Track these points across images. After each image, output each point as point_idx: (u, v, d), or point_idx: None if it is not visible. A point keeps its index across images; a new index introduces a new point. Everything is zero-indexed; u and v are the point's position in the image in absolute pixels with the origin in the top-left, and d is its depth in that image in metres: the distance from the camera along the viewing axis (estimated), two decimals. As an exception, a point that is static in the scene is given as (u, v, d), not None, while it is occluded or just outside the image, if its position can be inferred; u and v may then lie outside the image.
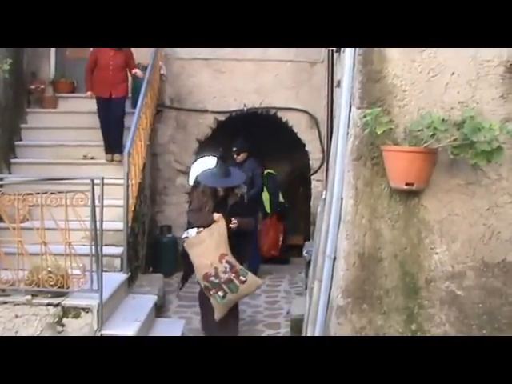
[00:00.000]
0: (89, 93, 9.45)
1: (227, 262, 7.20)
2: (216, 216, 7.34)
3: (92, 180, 6.65)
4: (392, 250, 4.62)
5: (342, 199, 4.85)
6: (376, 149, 4.61)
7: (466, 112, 4.44)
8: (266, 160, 11.70)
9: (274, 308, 9.26)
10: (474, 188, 4.61)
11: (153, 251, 10.31)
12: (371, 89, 4.67)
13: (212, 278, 7.13)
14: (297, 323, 7.42)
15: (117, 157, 9.25)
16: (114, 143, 9.40)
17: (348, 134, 4.84)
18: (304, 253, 9.42)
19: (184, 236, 7.58)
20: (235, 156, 10.33)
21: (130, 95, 9.76)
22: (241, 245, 7.55)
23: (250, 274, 7.37)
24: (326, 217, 5.08)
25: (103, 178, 6.71)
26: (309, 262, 8.96)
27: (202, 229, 7.40)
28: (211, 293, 7.19)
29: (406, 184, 4.41)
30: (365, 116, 4.47)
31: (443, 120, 4.29)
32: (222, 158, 7.85)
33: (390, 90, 4.66)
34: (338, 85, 5.99)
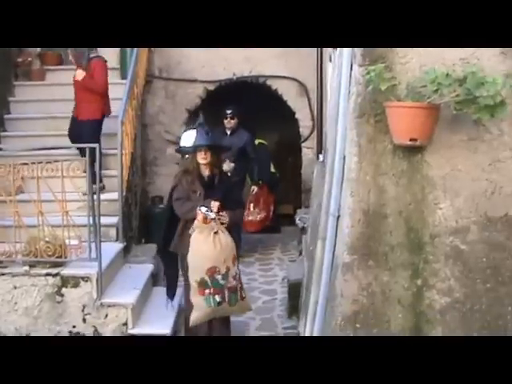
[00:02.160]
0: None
1: (238, 268, 6.30)
2: (214, 204, 6.16)
3: (87, 148, 6.64)
4: (396, 207, 4.65)
5: (344, 157, 4.86)
6: (378, 106, 4.62)
7: (468, 68, 4.46)
8: (254, 130, 11.72)
9: (269, 275, 9.32)
10: (476, 144, 4.64)
11: (145, 222, 10.30)
12: (373, 46, 4.68)
13: (218, 277, 6.02)
14: (294, 288, 7.49)
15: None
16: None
17: (349, 92, 4.85)
18: (297, 220, 9.48)
19: (199, 211, 6.15)
20: (228, 120, 9.86)
21: (105, 116, 8.84)
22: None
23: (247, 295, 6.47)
24: (328, 176, 5.10)
25: (100, 146, 6.70)
26: (302, 229, 9.05)
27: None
28: (205, 292, 6.05)
29: (410, 139, 4.43)
30: (368, 73, 4.47)
31: (447, 75, 4.30)
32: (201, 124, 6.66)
33: (391, 47, 4.67)
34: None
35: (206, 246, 6.05)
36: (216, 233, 6.08)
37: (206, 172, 6.47)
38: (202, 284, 6.02)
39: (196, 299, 6.08)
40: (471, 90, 4.30)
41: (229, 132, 9.91)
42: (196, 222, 6.17)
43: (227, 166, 6.97)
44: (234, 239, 6.33)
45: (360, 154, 4.68)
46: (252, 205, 10.92)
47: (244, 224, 10.73)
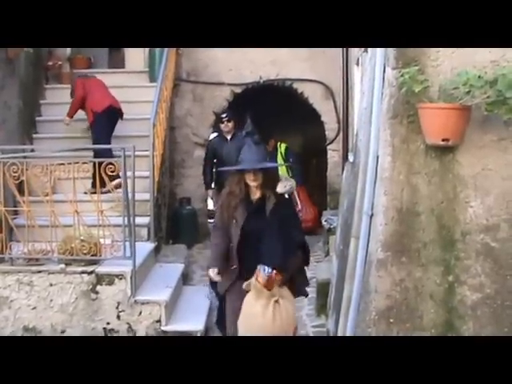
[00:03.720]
0: None
1: None
2: (262, 277, 4.93)
3: (123, 149, 6.80)
4: (429, 205, 4.77)
5: (377, 157, 4.99)
6: (411, 107, 4.74)
7: (498, 70, 4.56)
8: (278, 133, 11.89)
9: (296, 275, 9.41)
10: (506, 144, 4.74)
11: (172, 223, 10.47)
12: (406, 50, 4.78)
13: None
14: (323, 287, 7.61)
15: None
16: None
17: (382, 94, 4.98)
18: (323, 221, 9.60)
19: (260, 271, 4.99)
20: (225, 123, 9.38)
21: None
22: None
23: None
24: (362, 176, 5.23)
25: (134, 147, 6.85)
26: (328, 230, 9.16)
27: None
28: None
29: (443, 140, 4.55)
30: (402, 75, 4.60)
31: (479, 77, 4.43)
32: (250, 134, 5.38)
33: (423, 50, 4.76)
34: (366, 50, 6.11)
35: (262, 319, 4.93)
36: (277, 301, 4.97)
37: (255, 195, 5.28)
38: None
39: None
40: (502, 91, 4.41)
41: (229, 137, 9.44)
42: (254, 281, 4.99)
43: (284, 185, 5.23)
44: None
45: (393, 153, 4.81)
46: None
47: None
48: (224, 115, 9.58)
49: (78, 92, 9.29)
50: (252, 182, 5.15)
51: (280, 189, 5.21)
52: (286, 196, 5.31)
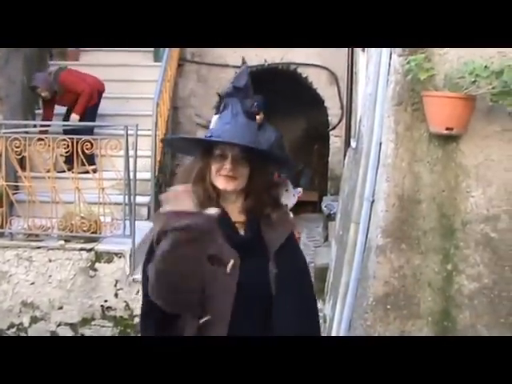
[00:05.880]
0: None
1: None
2: None
3: (126, 127, 6.80)
4: (430, 193, 4.77)
5: (380, 144, 4.99)
6: (416, 95, 4.73)
7: (505, 61, 4.55)
8: (281, 117, 11.86)
9: (294, 260, 9.43)
10: (509, 134, 4.72)
11: (173, 204, 10.45)
12: (412, 37, 4.79)
13: None
14: (321, 272, 7.65)
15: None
16: None
17: (388, 80, 4.98)
18: (323, 207, 9.62)
19: None
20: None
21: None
22: None
23: None
24: (364, 162, 5.22)
25: (137, 125, 6.86)
26: (328, 215, 9.19)
27: None
28: None
29: (446, 128, 4.55)
30: (408, 62, 4.59)
31: (485, 67, 4.42)
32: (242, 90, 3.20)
33: (430, 38, 4.78)
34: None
35: None
36: None
37: (240, 214, 2.80)
38: None
39: None
40: (508, 82, 4.40)
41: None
42: None
43: (292, 194, 3.85)
44: None
45: (397, 140, 4.80)
46: None
47: None
48: (255, 104, 8.07)
49: (84, 86, 8.87)
50: (226, 182, 2.70)
51: (287, 200, 3.26)
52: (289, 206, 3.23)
